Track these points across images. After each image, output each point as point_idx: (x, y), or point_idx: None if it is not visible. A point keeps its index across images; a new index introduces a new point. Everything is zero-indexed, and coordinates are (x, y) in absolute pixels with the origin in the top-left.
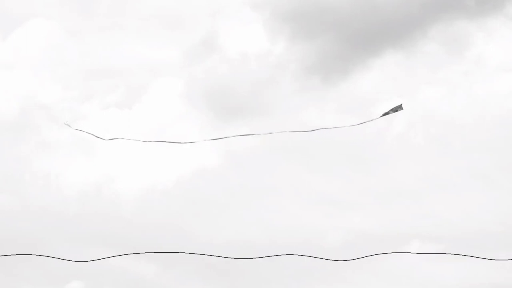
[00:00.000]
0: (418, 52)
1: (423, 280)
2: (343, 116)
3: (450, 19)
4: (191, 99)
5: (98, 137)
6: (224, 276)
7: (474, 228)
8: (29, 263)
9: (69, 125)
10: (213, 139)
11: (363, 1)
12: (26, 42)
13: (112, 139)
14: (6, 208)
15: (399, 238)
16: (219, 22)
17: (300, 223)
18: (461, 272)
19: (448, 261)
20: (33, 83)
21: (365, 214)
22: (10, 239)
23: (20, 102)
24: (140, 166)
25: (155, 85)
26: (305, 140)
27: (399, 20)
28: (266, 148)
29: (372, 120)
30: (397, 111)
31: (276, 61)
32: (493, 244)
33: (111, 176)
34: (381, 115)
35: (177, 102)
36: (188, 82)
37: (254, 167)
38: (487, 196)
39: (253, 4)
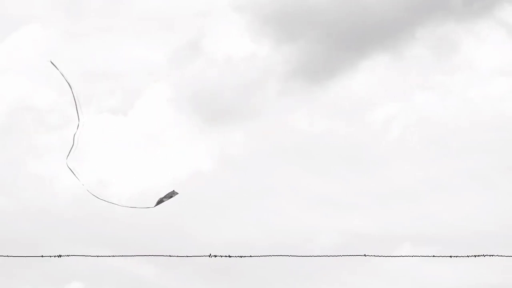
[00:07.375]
0: (407, 54)
1: (419, 281)
2: (333, 119)
3: (437, 20)
4: (179, 103)
5: None
6: (224, 277)
7: (471, 230)
8: (29, 264)
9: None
10: None
11: (349, 2)
12: (20, 45)
13: None
14: (4, 210)
15: (396, 239)
16: (204, 25)
17: (298, 225)
18: (457, 272)
19: (445, 262)
20: (27, 86)
21: (363, 216)
22: (9, 239)
23: (13, 105)
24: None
25: (143, 90)
26: (302, 141)
27: (386, 20)
28: (263, 150)
29: (147, 207)
30: (171, 197)
31: (262, 64)
32: (491, 245)
33: (105, 179)
34: (155, 204)
35: (165, 106)
36: (175, 86)
37: (251, 169)
38: (483, 198)
39: (237, 6)
